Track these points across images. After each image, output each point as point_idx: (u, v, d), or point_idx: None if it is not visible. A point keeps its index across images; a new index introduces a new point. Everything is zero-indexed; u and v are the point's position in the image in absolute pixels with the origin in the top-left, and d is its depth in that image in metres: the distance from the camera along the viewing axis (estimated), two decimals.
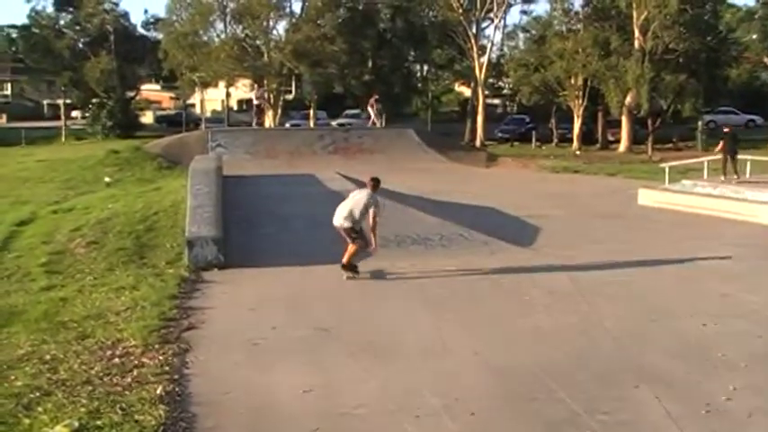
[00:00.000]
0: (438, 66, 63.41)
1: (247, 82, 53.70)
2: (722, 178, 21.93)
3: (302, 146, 31.64)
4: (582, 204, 21.72)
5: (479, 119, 49.75)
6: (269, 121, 50.30)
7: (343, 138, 32.97)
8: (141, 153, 31.71)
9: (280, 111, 50.82)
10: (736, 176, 21.87)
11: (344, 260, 12.15)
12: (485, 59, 50.86)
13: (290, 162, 28.66)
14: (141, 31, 62.68)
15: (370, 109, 35.52)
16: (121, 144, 38.12)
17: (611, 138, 46.97)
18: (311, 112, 53.90)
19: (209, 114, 65.48)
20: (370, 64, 56.08)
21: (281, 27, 51.61)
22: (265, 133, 37.67)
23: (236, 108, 69.11)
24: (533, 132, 49.10)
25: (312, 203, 16.59)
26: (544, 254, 14.29)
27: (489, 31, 53.35)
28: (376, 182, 12.52)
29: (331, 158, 30.06)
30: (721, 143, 22.85)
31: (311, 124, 51.61)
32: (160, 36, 56.81)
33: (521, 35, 54.42)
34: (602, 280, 12.05)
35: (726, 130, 24.40)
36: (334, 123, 51.47)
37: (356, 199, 12.23)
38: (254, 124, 36.65)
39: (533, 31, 50.64)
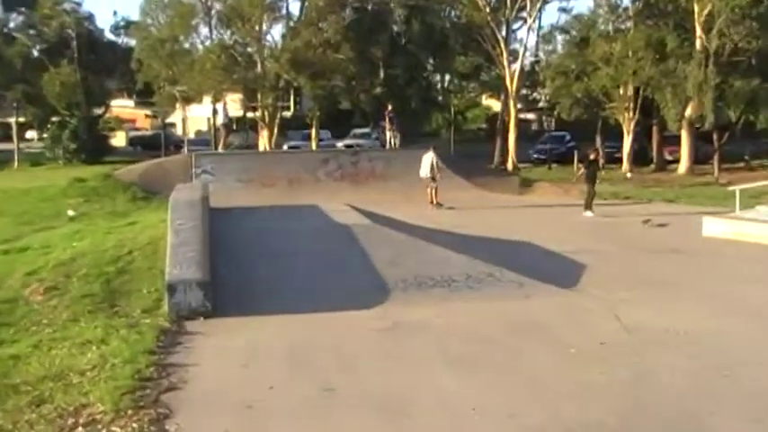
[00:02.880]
0: (461, 75, 63.82)
1: (237, 97, 53.91)
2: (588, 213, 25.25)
3: (303, 172, 31.74)
4: (634, 237, 21.65)
5: (511, 137, 49.88)
6: (264, 142, 50.49)
7: (351, 162, 33.05)
8: (112, 181, 31.86)
9: (276, 131, 51.03)
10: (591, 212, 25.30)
11: (436, 200, 27.10)
12: (516, 67, 51.13)
13: (289, 191, 28.76)
14: (110, 36, 63.09)
15: (386, 124, 35.91)
16: (88, 171, 38.31)
17: (668, 157, 47.00)
18: (313, 131, 54.13)
19: (192, 135, 65.83)
20: (381, 74, 56.38)
21: (276, 32, 52.30)
22: (259, 157, 37.90)
23: None
24: (575, 152, 49.15)
25: (316, 239, 16.61)
26: (591, 297, 14.21)
27: (522, 34, 53.57)
28: (434, 147, 28.74)
29: (337, 186, 30.18)
30: (582, 169, 27.17)
31: (313, 146, 51.83)
32: (133, 42, 57.33)
33: (559, 37, 54.74)
34: (660, 327, 11.95)
35: (591, 154, 27.43)
36: (340, 145, 51.71)
37: (428, 159, 27.62)
38: (220, 147, 36.77)
39: (574, 33, 50.90)
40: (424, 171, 27.85)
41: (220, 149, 37.14)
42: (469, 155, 48.42)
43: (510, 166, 47.89)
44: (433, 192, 27.41)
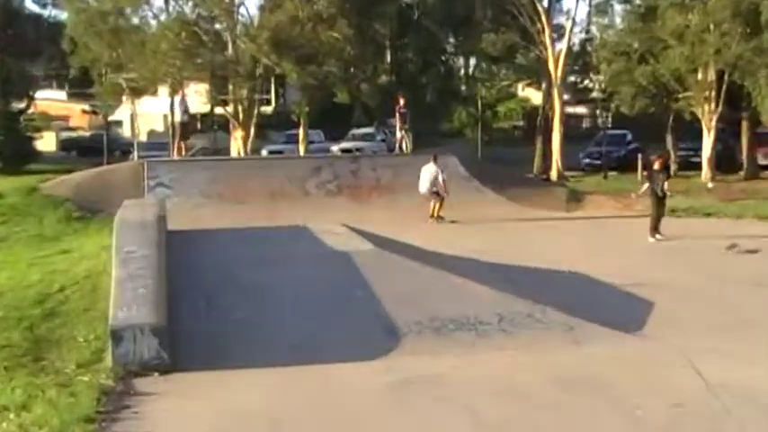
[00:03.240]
0: (491, 59, 63.77)
1: (202, 88, 53.86)
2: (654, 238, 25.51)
3: (288, 183, 31.85)
4: (717, 266, 21.61)
5: (555, 137, 49.97)
6: (237, 146, 50.45)
7: (350, 170, 33.14)
8: (38, 197, 31.87)
9: (253, 131, 50.98)
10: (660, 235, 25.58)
11: (436, 214, 28.89)
12: (562, 47, 51.16)
13: (269, 208, 28.83)
14: (33, 7, 62.82)
15: (396, 122, 36.15)
16: (5, 183, 38.26)
17: (763, 161, 46.85)
18: (300, 132, 54.12)
19: (144, 137, 65.80)
20: (388, 58, 56.43)
21: (251, 3, 52.31)
22: (231, 166, 37.95)
23: None
24: (639, 156, 49.04)
25: (305, 271, 16.56)
26: (661, 344, 14.17)
27: (569, 4, 53.84)
28: (435, 157, 30.38)
29: (332, 202, 30.35)
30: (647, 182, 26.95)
31: (301, 151, 51.87)
32: (64, 16, 57.15)
33: (618, 7, 54.71)
34: (753, 386, 11.88)
35: (656, 161, 27.10)
36: (335, 149, 51.72)
37: (428, 172, 29.27)
38: (175, 152, 36.57)
39: (637, 1, 50.88)
40: (423, 186, 29.59)
41: (175, 155, 37.21)
42: (502, 160, 48.54)
43: (554, 174, 47.91)
44: (437, 205, 29.19)
